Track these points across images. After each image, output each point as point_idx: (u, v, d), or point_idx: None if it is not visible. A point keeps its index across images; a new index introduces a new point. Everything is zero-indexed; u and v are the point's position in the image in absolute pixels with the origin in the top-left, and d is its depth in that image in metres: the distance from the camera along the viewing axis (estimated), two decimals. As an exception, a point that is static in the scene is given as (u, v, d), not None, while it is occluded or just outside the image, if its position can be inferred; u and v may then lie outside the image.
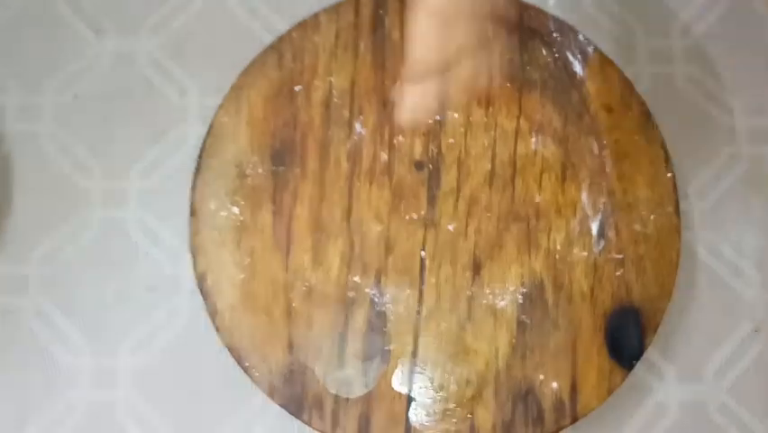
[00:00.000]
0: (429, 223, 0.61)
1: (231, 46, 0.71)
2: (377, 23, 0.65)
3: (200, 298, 0.59)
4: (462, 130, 0.62)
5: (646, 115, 0.63)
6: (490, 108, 0.63)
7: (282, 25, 0.69)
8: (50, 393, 0.64)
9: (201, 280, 0.59)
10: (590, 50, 0.64)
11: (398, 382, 0.57)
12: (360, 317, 0.59)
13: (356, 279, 0.60)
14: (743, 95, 0.70)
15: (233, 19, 0.73)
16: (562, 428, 0.56)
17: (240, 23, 0.73)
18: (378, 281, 0.59)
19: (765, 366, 0.64)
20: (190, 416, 0.64)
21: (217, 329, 0.58)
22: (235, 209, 0.61)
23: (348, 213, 0.61)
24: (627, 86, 0.63)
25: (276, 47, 0.64)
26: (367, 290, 0.59)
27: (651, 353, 0.63)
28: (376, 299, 0.59)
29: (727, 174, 0.68)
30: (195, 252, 0.60)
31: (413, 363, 0.58)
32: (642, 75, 0.68)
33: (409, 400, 0.57)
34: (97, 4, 0.74)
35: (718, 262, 0.66)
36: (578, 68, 0.63)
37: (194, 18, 0.73)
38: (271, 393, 0.57)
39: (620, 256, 0.59)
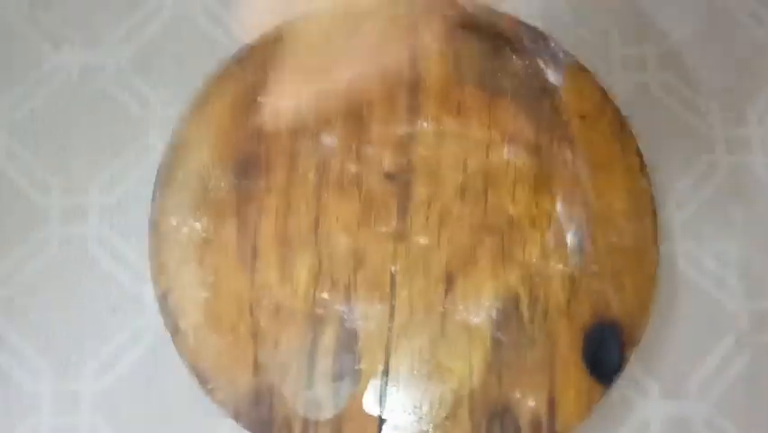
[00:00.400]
0: (400, 236, 0.59)
1: (194, 57, 0.69)
2: (344, 31, 0.63)
3: (162, 318, 0.57)
4: (434, 140, 0.61)
5: (622, 123, 0.61)
6: (462, 118, 0.61)
7: (245, 35, 0.67)
8: (10, 420, 0.61)
9: (163, 299, 0.57)
10: (562, 56, 0.62)
11: (370, 403, 0.55)
12: (329, 336, 0.56)
13: (324, 295, 0.57)
14: (720, 102, 0.69)
15: (197, 29, 0.71)
16: (540, 449, 0.54)
17: (203, 33, 0.71)
18: (347, 297, 0.57)
19: (751, 379, 0.62)
20: (156, 441, 0.61)
21: (180, 351, 0.56)
22: (198, 225, 0.59)
23: (315, 226, 0.59)
24: (602, 93, 0.62)
25: (238, 57, 0.63)
26: (336, 307, 0.57)
27: (632, 368, 0.61)
28: (345, 316, 0.57)
29: (706, 183, 0.67)
30: (156, 270, 0.58)
31: (384, 383, 0.55)
32: (617, 82, 0.67)
33: (381, 421, 0.55)
34: (55, 16, 0.72)
35: (699, 273, 0.65)
36: (551, 75, 0.62)
37: (156, 29, 0.71)
38: (237, 417, 0.55)
39: (597, 269, 0.58)
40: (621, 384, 0.59)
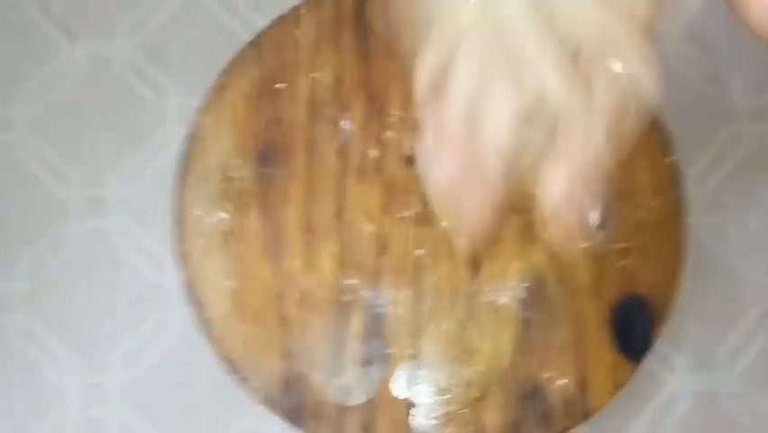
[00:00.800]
0: (423, 220, 0.58)
1: (209, 45, 0.69)
2: (359, 15, 0.62)
3: (189, 308, 0.57)
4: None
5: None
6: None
7: (261, 21, 0.66)
8: (38, 413, 0.61)
9: (189, 289, 0.57)
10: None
11: (400, 387, 0.55)
12: (356, 321, 0.56)
13: (350, 282, 0.57)
14: (742, 73, 0.68)
15: (211, 17, 0.70)
16: (573, 426, 0.54)
17: (217, 20, 0.70)
18: (373, 283, 0.57)
19: (777, 351, 0.62)
20: (185, 430, 0.61)
21: (209, 340, 0.56)
22: (222, 214, 0.58)
23: (338, 213, 0.59)
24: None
25: (255, 44, 0.62)
26: (362, 293, 0.57)
27: (660, 344, 0.61)
28: (372, 302, 0.57)
29: (729, 155, 0.66)
30: (181, 260, 0.58)
31: (414, 367, 0.55)
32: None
33: (412, 404, 0.55)
34: (68, 7, 0.71)
35: (723, 246, 0.64)
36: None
37: (170, 18, 0.71)
38: (268, 404, 0.55)
39: (623, 245, 0.57)
40: (649, 360, 0.59)
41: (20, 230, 0.65)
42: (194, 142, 0.60)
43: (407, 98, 0.61)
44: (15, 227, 0.65)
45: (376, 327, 0.56)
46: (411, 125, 0.60)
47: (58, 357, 0.62)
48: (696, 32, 0.70)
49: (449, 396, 0.55)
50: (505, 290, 0.57)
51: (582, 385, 0.55)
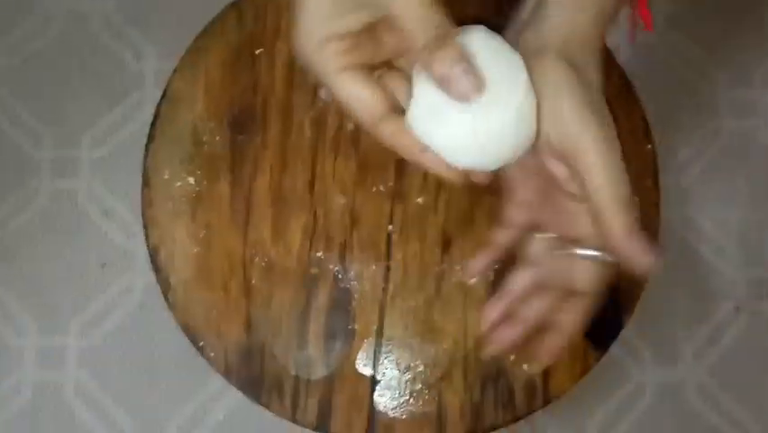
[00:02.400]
0: (397, 195, 0.57)
1: (190, 6, 0.67)
2: (344, -17, 0.61)
3: (152, 273, 0.56)
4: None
5: (627, 86, 0.60)
6: (463, 75, 0.59)
7: (244, -16, 0.65)
8: (-5, 374, 0.60)
9: (154, 253, 0.56)
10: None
11: (363, 363, 0.54)
12: (322, 295, 0.55)
13: (319, 254, 0.56)
14: (726, 65, 0.68)
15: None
16: (533, 411, 0.54)
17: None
18: (342, 257, 0.56)
19: (746, 346, 0.62)
20: (145, 398, 0.60)
21: (170, 306, 0.55)
22: (191, 179, 0.57)
23: (311, 184, 0.58)
24: (607, 55, 0.60)
25: (236, 6, 0.61)
26: (330, 266, 0.56)
27: (627, 333, 0.61)
28: (340, 276, 0.56)
29: (709, 147, 0.66)
30: (147, 224, 0.56)
31: (378, 343, 0.55)
32: (622, 44, 0.65)
33: (374, 381, 0.54)
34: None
35: (699, 238, 0.64)
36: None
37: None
38: (227, 374, 0.54)
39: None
40: (615, 349, 0.58)
41: (-14, 187, 0.64)
42: (167, 104, 0.59)
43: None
44: (-18, 184, 0.64)
45: (342, 302, 0.55)
46: (389, 99, 0.59)
47: (16, 318, 0.61)
48: (681, 20, 0.69)
49: (412, 374, 0.54)
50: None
51: (546, 370, 0.54)
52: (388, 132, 0.38)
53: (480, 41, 0.37)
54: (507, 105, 0.37)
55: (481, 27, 0.38)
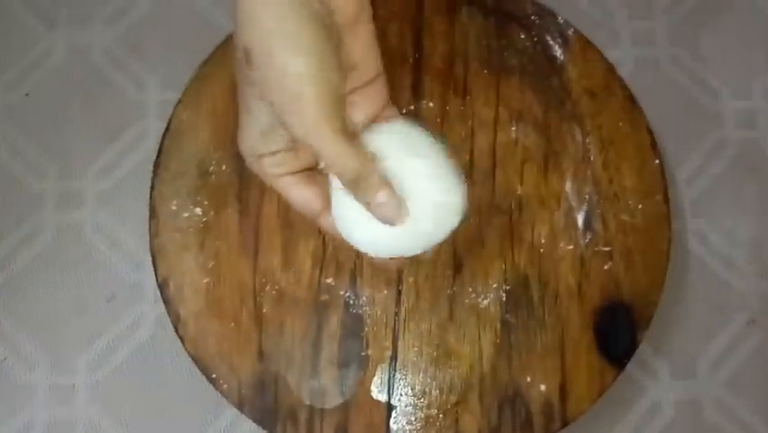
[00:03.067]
0: (406, 219, 0.57)
1: (192, 37, 0.67)
2: (345, 9, 0.61)
3: (162, 305, 0.55)
4: (438, 120, 0.59)
5: (631, 100, 0.60)
6: (467, 96, 0.59)
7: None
8: (6, 412, 0.59)
9: (163, 286, 0.55)
10: (571, 32, 0.60)
11: (377, 390, 0.54)
12: (334, 322, 0.55)
13: (329, 280, 0.56)
14: (729, 77, 0.68)
15: (193, 8, 0.69)
16: (553, 432, 0.53)
17: (200, 12, 0.69)
18: (352, 282, 0.56)
19: (761, 359, 0.61)
20: (157, 431, 0.60)
21: (181, 339, 0.54)
22: (198, 210, 0.57)
23: (319, 210, 0.57)
24: (610, 70, 0.60)
25: (238, 35, 0.60)
26: (341, 292, 0.56)
27: (642, 349, 0.60)
28: (351, 302, 0.55)
29: (716, 160, 0.66)
30: (155, 256, 0.56)
31: (392, 369, 0.54)
32: (625, 58, 0.65)
33: (389, 408, 0.53)
34: (48, -5, 0.70)
35: (709, 252, 0.64)
36: (558, 52, 0.60)
37: (152, 9, 0.69)
38: (241, 406, 0.53)
39: (608, 249, 0.56)
40: (631, 366, 0.58)
41: (-8, 223, 0.64)
42: (172, 135, 0.58)
43: (392, 95, 0.59)
44: (-13, 220, 0.64)
45: (354, 328, 0.55)
46: (395, 123, 0.59)
47: (26, 355, 0.61)
48: (683, 33, 0.69)
49: (427, 400, 0.54)
50: (487, 292, 0.56)
51: (563, 391, 0.53)
52: (326, 224, 0.43)
53: (393, 137, 0.41)
54: (425, 203, 0.40)
55: (395, 123, 0.42)
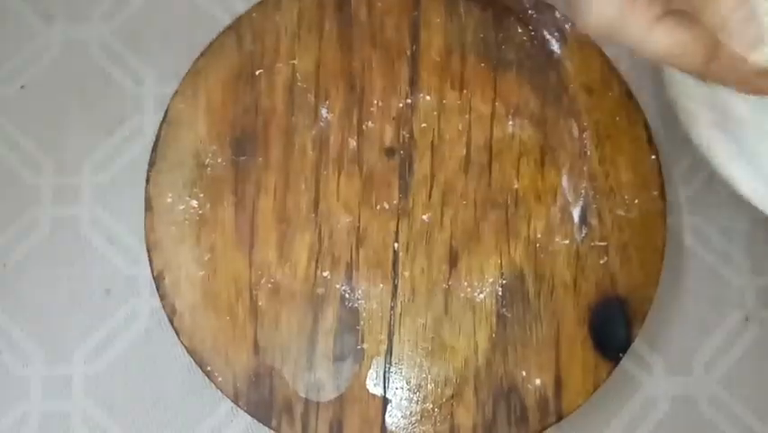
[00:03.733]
0: (402, 213, 0.57)
1: (189, 30, 0.67)
2: (342, 2, 0.61)
3: (158, 298, 0.55)
4: (435, 113, 0.59)
5: (628, 96, 0.60)
6: (464, 90, 0.59)
7: (241, 6, 0.65)
8: (0, 405, 0.59)
9: (158, 279, 0.55)
10: (569, 27, 0.60)
11: (373, 383, 0.54)
12: (330, 315, 0.55)
13: (325, 274, 0.56)
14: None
15: (190, 2, 0.69)
16: (547, 427, 0.53)
17: (197, 5, 0.69)
18: (348, 276, 0.56)
19: (757, 356, 0.61)
20: (153, 426, 0.59)
21: (177, 332, 0.54)
22: (194, 202, 0.57)
23: (315, 204, 0.57)
24: (608, 65, 0.60)
25: (234, 28, 0.61)
26: (337, 286, 0.56)
27: (638, 345, 0.60)
28: (347, 295, 0.55)
29: (713, 156, 0.65)
30: (151, 249, 0.56)
31: (388, 363, 0.54)
32: (623, 54, 0.65)
33: (385, 401, 0.53)
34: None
35: (706, 248, 0.64)
36: (555, 46, 0.60)
37: (149, 2, 0.69)
38: (236, 399, 0.53)
39: (604, 244, 0.56)
40: (626, 361, 0.58)
41: (-14, 217, 0.64)
42: (168, 128, 0.59)
43: (389, 88, 0.59)
44: (-18, 214, 0.64)
45: (349, 322, 0.55)
46: (392, 116, 0.59)
47: (21, 348, 0.61)
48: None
49: (423, 393, 0.54)
50: (482, 286, 0.56)
51: (558, 385, 0.54)
52: (728, 63, 0.35)
53: None
54: None
55: None
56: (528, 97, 0.59)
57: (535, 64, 0.60)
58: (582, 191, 0.57)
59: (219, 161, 0.58)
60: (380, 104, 0.59)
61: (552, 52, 0.60)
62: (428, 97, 0.59)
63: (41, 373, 0.60)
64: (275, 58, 0.60)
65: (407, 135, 0.59)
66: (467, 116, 0.59)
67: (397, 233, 0.57)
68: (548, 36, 0.60)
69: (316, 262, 0.56)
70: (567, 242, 0.56)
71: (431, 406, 0.53)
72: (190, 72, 0.59)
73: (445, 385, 0.54)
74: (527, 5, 0.61)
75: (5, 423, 0.59)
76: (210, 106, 0.59)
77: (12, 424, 0.59)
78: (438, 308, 0.55)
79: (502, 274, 0.56)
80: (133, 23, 0.68)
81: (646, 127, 0.59)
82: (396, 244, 0.57)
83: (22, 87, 0.66)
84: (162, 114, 0.59)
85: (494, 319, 0.55)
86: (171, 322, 0.55)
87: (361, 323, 0.55)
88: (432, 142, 0.58)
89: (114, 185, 0.64)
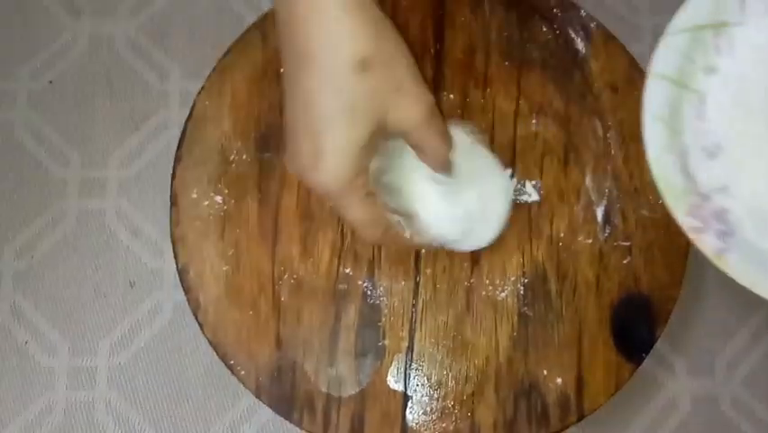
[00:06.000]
0: (424, 210, 0.57)
1: (214, 27, 0.68)
2: None
3: (182, 292, 0.56)
4: (459, 112, 0.59)
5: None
6: (488, 89, 0.59)
7: (267, 3, 0.66)
8: (27, 394, 0.60)
9: (183, 273, 0.56)
10: (593, 26, 0.60)
11: (394, 380, 0.54)
12: (352, 311, 0.55)
13: (347, 270, 0.56)
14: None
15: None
16: (567, 426, 0.53)
17: (222, 2, 0.69)
18: (370, 273, 0.56)
19: (780, 358, 0.61)
20: (176, 417, 0.60)
21: (200, 325, 0.55)
22: (218, 198, 0.57)
23: (338, 201, 0.57)
24: (632, 64, 0.60)
25: (259, 26, 0.61)
26: (359, 283, 0.56)
27: (660, 345, 0.60)
28: (369, 292, 0.56)
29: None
30: (176, 243, 0.57)
31: (409, 359, 0.54)
32: (647, 52, 0.64)
33: (405, 397, 0.54)
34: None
35: (729, 248, 0.63)
36: (580, 45, 0.60)
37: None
38: (258, 393, 0.54)
39: (627, 243, 0.56)
40: (648, 361, 0.58)
41: (15, 209, 0.64)
42: (194, 123, 0.59)
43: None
44: (11, 206, 0.65)
45: (371, 318, 0.55)
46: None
47: (47, 339, 0.62)
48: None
49: (443, 390, 0.54)
50: (504, 284, 0.56)
51: (580, 384, 0.53)
52: (390, 237, 0.47)
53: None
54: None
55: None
56: (552, 96, 0.59)
57: (560, 63, 0.59)
58: (606, 191, 0.57)
59: (244, 157, 0.58)
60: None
61: (576, 51, 0.60)
62: (452, 96, 0.59)
63: (67, 364, 0.61)
64: (300, 55, 0.60)
65: (431, 133, 0.58)
66: (490, 115, 0.59)
67: (419, 230, 0.57)
68: (573, 35, 0.60)
69: (339, 258, 0.56)
70: (590, 241, 0.56)
71: (451, 403, 0.54)
72: (216, 69, 0.60)
73: (466, 383, 0.54)
74: (552, 4, 0.61)
75: (32, 412, 0.60)
76: (235, 103, 0.59)
77: (38, 413, 0.60)
78: (459, 305, 0.55)
79: (524, 273, 0.56)
80: (159, 19, 0.68)
81: (671, 127, 0.58)
82: (418, 242, 0.57)
83: (50, 82, 0.67)
84: (187, 109, 0.60)
85: (515, 318, 0.55)
86: (195, 316, 0.55)
87: (383, 319, 0.55)
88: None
89: (140, 179, 0.65)
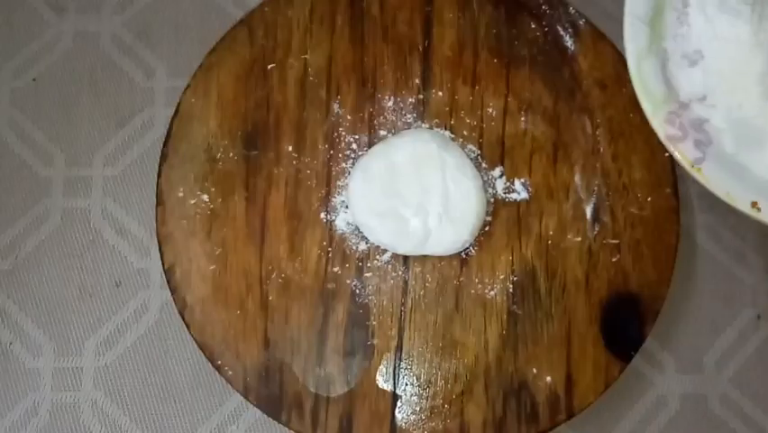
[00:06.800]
0: (413, 208, 0.57)
1: (200, 24, 0.67)
2: (354, -4, 0.61)
3: (168, 292, 0.55)
4: (447, 109, 0.59)
5: (642, 92, 0.59)
6: (477, 86, 0.59)
7: (254, 0, 0.65)
8: (12, 396, 0.60)
9: (169, 272, 0.55)
10: (582, 23, 0.60)
11: (383, 379, 0.54)
12: (340, 311, 0.55)
13: (336, 269, 0.56)
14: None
15: (203, -4, 0.69)
16: (557, 424, 0.53)
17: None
18: (359, 272, 0.56)
19: (768, 355, 0.61)
20: (163, 418, 0.60)
21: (187, 325, 0.54)
22: (205, 196, 0.57)
23: (326, 199, 0.57)
24: (621, 61, 0.60)
25: (246, 22, 0.60)
26: (348, 282, 0.56)
27: (649, 343, 0.60)
28: (357, 291, 0.55)
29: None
30: (162, 242, 0.56)
31: (398, 359, 0.54)
32: (636, 50, 0.65)
33: (394, 397, 0.53)
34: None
35: (718, 246, 0.63)
36: (569, 42, 0.60)
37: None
38: (246, 393, 0.53)
39: (616, 241, 0.56)
40: (637, 359, 0.58)
41: (-1, 208, 0.64)
42: (180, 121, 0.58)
43: (401, 83, 0.59)
44: (-5, 205, 0.64)
45: (360, 317, 0.55)
46: (404, 111, 0.59)
47: (32, 340, 0.61)
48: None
49: (433, 389, 0.53)
50: (493, 282, 0.55)
51: (569, 383, 0.53)
52: None
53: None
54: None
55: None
56: (541, 93, 0.59)
57: (548, 60, 0.59)
58: (595, 188, 0.57)
59: (230, 155, 0.58)
60: (391, 98, 0.59)
61: (565, 48, 0.60)
62: (440, 93, 0.59)
63: (52, 365, 0.60)
64: (287, 52, 0.60)
65: (419, 131, 0.58)
66: (479, 112, 0.58)
67: (408, 228, 0.57)
68: (561, 32, 0.60)
69: (327, 257, 0.56)
70: (579, 239, 0.56)
71: (441, 402, 0.53)
72: (202, 66, 0.59)
73: (455, 382, 0.54)
74: (541, 1, 0.60)
75: (16, 413, 0.59)
76: (222, 101, 0.59)
77: (22, 414, 0.59)
78: (449, 304, 0.55)
79: (513, 271, 0.56)
80: (144, 16, 0.68)
81: (660, 124, 0.58)
82: (407, 240, 0.56)
83: (33, 79, 0.66)
84: (173, 107, 0.59)
85: (505, 316, 0.55)
86: (182, 315, 0.55)
87: (372, 319, 0.55)
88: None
89: (125, 178, 0.64)
